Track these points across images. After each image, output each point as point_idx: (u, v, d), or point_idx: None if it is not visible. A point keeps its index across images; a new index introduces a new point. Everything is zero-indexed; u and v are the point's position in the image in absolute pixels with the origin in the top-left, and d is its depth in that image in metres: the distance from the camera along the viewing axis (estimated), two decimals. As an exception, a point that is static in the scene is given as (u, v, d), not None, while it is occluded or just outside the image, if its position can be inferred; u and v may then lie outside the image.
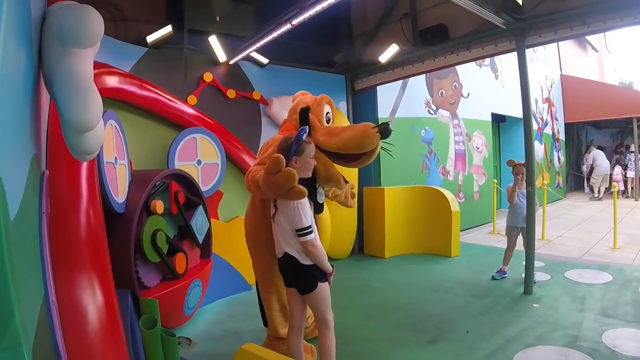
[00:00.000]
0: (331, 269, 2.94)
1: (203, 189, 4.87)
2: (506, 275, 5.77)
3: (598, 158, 15.33)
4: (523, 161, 5.44)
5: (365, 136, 3.18)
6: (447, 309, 4.74)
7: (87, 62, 1.73)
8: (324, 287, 2.93)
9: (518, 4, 5.08)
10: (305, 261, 2.87)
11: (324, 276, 2.93)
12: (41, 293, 1.58)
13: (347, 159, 3.39)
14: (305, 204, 2.83)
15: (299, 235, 2.79)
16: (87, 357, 2.00)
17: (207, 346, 3.94)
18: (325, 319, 2.99)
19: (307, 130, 3.01)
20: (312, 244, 2.80)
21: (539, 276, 5.57)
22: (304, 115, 3.51)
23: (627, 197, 15.01)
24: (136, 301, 3.37)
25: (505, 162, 5.95)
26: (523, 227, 5.45)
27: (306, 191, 2.70)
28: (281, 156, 2.61)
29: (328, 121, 3.57)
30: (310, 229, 2.81)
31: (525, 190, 5.37)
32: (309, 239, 2.79)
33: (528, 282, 5.16)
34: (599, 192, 15.16)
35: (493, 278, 5.75)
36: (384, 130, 3.16)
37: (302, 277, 2.92)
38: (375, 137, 3.16)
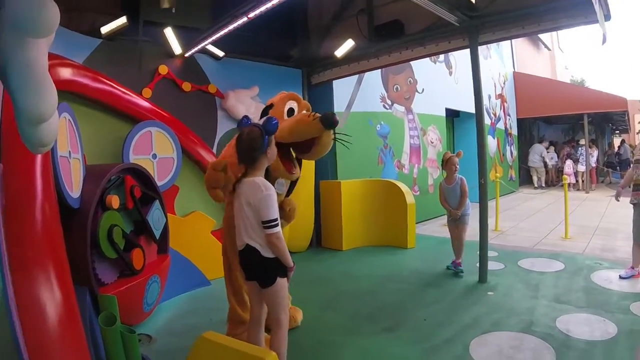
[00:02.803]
0: (292, 264, 2.90)
1: (159, 183, 4.78)
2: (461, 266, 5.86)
3: (529, 153, 17.04)
4: (455, 153, 5.81)
5: (298, 124, 3.34)
6: (404, 298, 4.84)
7: (42, 52, 1.70)
8: (282, 283, 2.89)
9: (471, 2, 5.21)
10: (268, 254, 2.82)
11: (283, 272, 2.88)
12: (0, 287, 1.54)
13: (299, 149, 3.55)
14: (274, 195, 2.80)
15: (266, 227, 2.74)
16: (48, 353, 1.95)
17: (167, 342, 3.89)
18: (279, 318, 2.94)
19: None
20: (278, 237, 2.75)
21: (492, 265, 5.73)
22: (264, 112, 3.71)
23: (577, 189, 15.76)
24: (94, 298, 3.30)
25: (443, 155, 6.03)
26: (461, 217, 5.77)
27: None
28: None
29: (291, 114, 3.67)
30: (277, 221, 2.77)
31: (453, 185, 5.72)
32: (275, 232, 2.74)
33: (482, 271, 5.32)
34: (539, 182, 16.77)
35: (447, 268, 5.88)
36: (325, 119, 3.21)
37: (263, 270, 2.88)
38: (311, 125, 3.26)
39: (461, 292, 4.99)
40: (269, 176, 3.41)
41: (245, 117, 3.07)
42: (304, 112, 3.54)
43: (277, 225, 2.76)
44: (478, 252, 5.40)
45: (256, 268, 2.91)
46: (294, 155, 3.64)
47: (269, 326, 3.05)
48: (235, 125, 6.32)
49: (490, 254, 5.60)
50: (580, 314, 4.15)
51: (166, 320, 4.42)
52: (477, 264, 5.45)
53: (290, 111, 3.68)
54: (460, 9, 5.17)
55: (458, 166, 5.73)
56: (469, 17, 5.29)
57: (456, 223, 5.83)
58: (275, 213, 2.76)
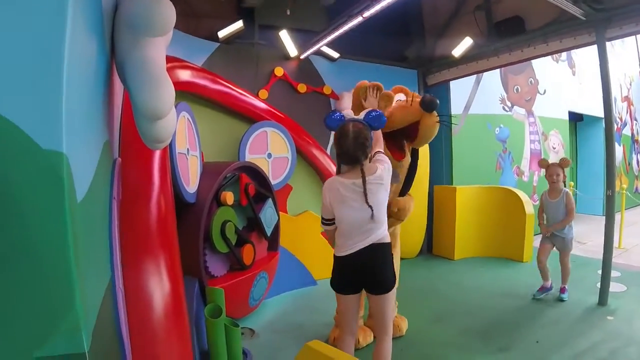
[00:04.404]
0: None
1: (273, 182, 4.89)
2: (550, 290, 5.09)
3: None
4: (558, 161, 5.01)
5: (397, 110, 3.41)
6: (517, 316, 4.51)
7: (159, 50, 1.75)
8: (395, 290, 2.76)
9: (598, -8, 4.76)
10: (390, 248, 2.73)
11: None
12: (107, 277, 1.61)
13: (406, 136, 3.55)
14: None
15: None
16: (151, 343, 2.03)
17: (269, 338, 3.96)
18: (390, 325, 2.79)
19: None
20: None
21: (614, 287, 5.10)
22: None
23: None
24: (203, 289, 3.44)
25: (538, 163, 5.24)
26: (557, 237, 4.97)
27: None
28: None
29: None
30: None
31: (557, 200, 4.91)
32: None
33: (603, 292, 4.82)
34: None
35: (534, 298, 5.05)
36: (424, 102, 3.24)
37: (388, 267, 2.67)
38: (410, 110, 3.33)
39: (578, 315, 4.54)
40: None
41: (335, 111, 2.91)
42: (408, 99, 3.53)
43: None
44: (599, 271, 4.89)
45: (382, 266, 2.66)
46: (404, 143, 3.59)
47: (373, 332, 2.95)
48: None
49: (613, 274, 5.00)
50: None
51: (270, 316, 4.50)
52: (598, 284, 4.93)
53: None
54: (585, 1, 4.73)
55: (559, 177, 4.90)
56: (595, 10, 4.81)
57: (553, 244, 5.05)
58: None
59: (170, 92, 1.71)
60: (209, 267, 3.69)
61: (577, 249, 6.72)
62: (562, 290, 5.01)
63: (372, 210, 2.57)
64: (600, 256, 4.89)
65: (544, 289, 5.06)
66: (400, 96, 3.66)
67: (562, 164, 4.94)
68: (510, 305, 4.85)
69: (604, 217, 4.95)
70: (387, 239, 2.69)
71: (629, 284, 5.46)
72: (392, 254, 2.75)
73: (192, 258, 3.42)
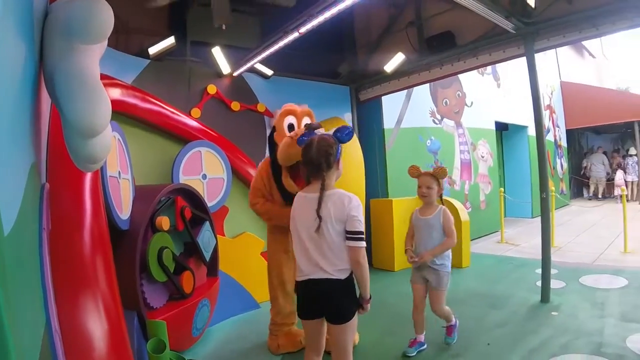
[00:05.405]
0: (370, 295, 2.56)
1: (209, 204, 4.69)
2: (424, 347, 3.93)
3: (593, 163, 17.15)
4: (432, 169, 3.90)
5: (284, 149, 3.53)
6: (465, 321, 4.49)
7: (94, 59, 1.58)
8: (355, 317, 2.57)
9: (528, 6, 4.99)
10: (351, 279, 2.50)
11: (358, 304, 2.56)
12: (42, 321, 1.38)
13: None
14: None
15: (355, 239, 2.38)
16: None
17: (216, 369, 3.74)
18: (349, 353, 2.60)
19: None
20: (364, 255, 2.41)
21: (553, 283, 5.27)
22: (270, 137, 3.99)
23: (627, 201, 15.01)
24: (142, 323, 3.18)
25: (408, 171, 3.96)
26: (429, 269, 3.81)
27: None
28: None
29: (291, 130, 3.79)
30: (364, 236, 2.43)
31: (430, 217, 3.79)
32: (364, 245, 2.39)
33: (545, 290, 5.04)
34: (594, 192, 17.00)
35: (405, 355, 3.78)
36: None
37: (346, 299, 2.50)
38: (294, 147, 3.27)
39: (524, 314, 4.69)
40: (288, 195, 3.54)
41: (307, 130, 3.03)
42: (291, 133, 3.60)
43: (364, 239, 2.43)
44: (537, 270, 5.14)
45: (337, 298, 2.49)
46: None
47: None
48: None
49: (551, 271, 5.25)
50: (651, 333, 3.86)
51: (214, 345, 4.28)
52: (537, 283, 5.18)
53: (290, 127, 3.79)
54: (515, 16, 4.95)
55: (432, 190, 3.77)
56: (524, 24, 5.06)
57: (425, 282, 3.90)
58: (363, 226, 2.45)
59: (107, 105, 1.53)
60: (147, 298, 3.41)
61: (512, 250, 7.24)
62: (449, 330, 4.01)
63: (320, 221, 2.42)
64: (535, 256, 5.15)
65: (417, 344, 3.89)
66: (290, 119, 3.85)
67: (436, 173, 3.79)
68: (456, 311, 4.83)
69: (533, 218, 5.17)
70: (342, 274, 2.48)
71: (567, 280, 5.75)
72: (352, 288, 2.55)
73: (128, 290, 3.14)
